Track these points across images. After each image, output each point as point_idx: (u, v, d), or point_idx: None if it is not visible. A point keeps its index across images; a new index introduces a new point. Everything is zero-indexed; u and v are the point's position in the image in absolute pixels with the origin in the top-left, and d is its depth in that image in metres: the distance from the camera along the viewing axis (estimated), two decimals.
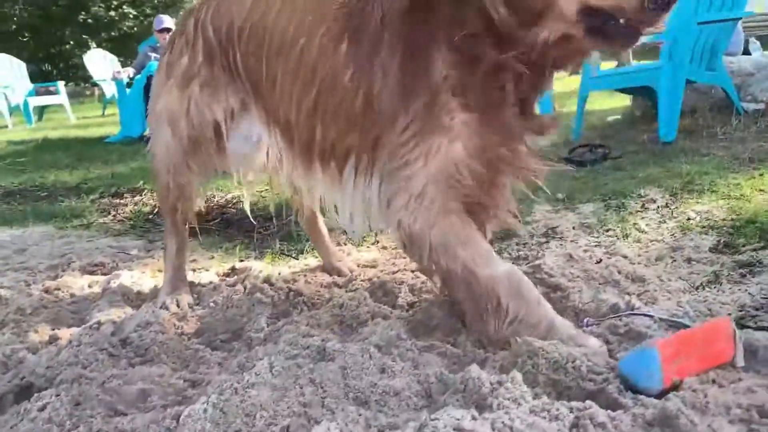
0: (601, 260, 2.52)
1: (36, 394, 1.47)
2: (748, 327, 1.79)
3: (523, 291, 1.65)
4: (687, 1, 5.61)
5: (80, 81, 24.88)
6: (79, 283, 2.51)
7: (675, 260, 2.54)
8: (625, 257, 2.55)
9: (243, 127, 2.16)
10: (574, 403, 1.26)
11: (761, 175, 3.81)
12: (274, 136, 2.03)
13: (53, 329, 2.04)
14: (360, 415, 1.37)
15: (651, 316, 1.85)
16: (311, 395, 1.43)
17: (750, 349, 1.61)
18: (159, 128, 2.30)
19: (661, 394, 1.39)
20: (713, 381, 1.49)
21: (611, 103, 8.00)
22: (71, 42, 25.63)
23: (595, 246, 2.85)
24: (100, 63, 13.25)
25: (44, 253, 3.16)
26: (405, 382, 1.49)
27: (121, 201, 4.72)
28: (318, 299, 2.17)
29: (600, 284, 2.23)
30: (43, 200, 4.99)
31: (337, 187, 1.89)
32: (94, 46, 25.70)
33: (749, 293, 2.07)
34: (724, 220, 3.05)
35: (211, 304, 2.18)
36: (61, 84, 14.47)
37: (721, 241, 2.73)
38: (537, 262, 2.38)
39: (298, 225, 3.63)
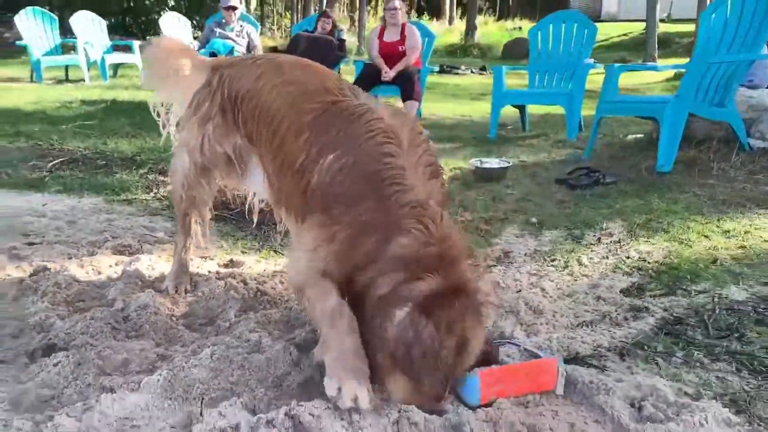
0: (521, 290, 3.05)
1: (55, 354, 2.15)
2: (585, 364, 2.31)
3: (335, 321, 1.94)
4: (703, 37, 5.90)
5: None
6: (107, 263, 3.20)
7: (584, 298, 3.03)
8: (543, 290, 3.07)
9: (251, 162, 2.70)
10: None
11: (720, 220, 4.20)
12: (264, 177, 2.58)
13: (79, 302, 2.72)
14: (266, 395, 1.98)
15: (518, 346, 2.39)
16: (238, 377, 2.05)
17: (573, 381, 2.14)
18: (180, 153, 2.85)
19: (480, 407, 1.95)
20: (528, 403, 2.04)
21: (639, 121, 8.25)
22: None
23: (532, 275, 3.36)
24: (174, 26, 14.08)
25: (88, 228, 3.87)
26: (310, 374, 2.10)
27: (164, 179, 5.42)
28: (278, 300, 2.78)
29: (505, 312, 2.76)
30: (100, 170, 5.74)
31: (293, 228, 2.42)
32: (172, 3, 26.87)
33: (612, 336, 2.57)
34: (655, 262, 3.51)
35: (199, 294, 2.83)
36: (136, 44, 15.42)
37: (635, 284, 3.20)
38: None
39: None
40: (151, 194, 5.00)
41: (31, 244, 3.49)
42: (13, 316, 2.50)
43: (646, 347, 2.50)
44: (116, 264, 3.21)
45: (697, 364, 2.39)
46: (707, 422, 1.92)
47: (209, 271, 3.19)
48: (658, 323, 2.70)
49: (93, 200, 4.73)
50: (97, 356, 2.14)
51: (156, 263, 3.24)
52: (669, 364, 2.38)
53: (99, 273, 3.04)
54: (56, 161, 5.90)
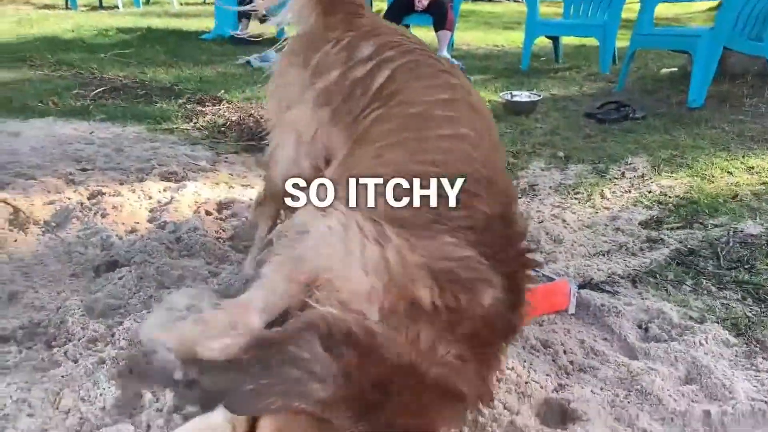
0: (542, 221, 3.22)
1: (118, 269, 2.41)
2: (599, 290, 2.50)
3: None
4: None
5: None
6: (156, 188, 3.43)
7: (603, 229, 3.19)
8: (564, 221, 3.23)
9: None
10: None
11: (745, 156, 4.27)
12: None
13: (135, 222, 2.97)
14: None
15: (537, 272, 2.58)
16: None
17: (585, 304, 2.34)
18: (284, 139, 2.16)
19: None
20: (543, 322, 2.25)
21: (675, 54, 8.13)
22: None
23: (555, 206, 3.52)
24: None
25: (135, 156, 4.10)
26: None
27: (203, 109, 5.61)
28: None
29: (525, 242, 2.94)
30: (140, 99, 5.95)
31: None
32: None
33: (627, 265, 2.75)
34: (676, 196, 3.63)
35: (243, 219, 3.06)
36: None
37: (654, 217, 3.34)
38: None
39: None
40: (191, 124, 5.20)
41: (83, 170, 3.74)
42: (76, 236, 2.76)
43: (657, 275, 2.67)
44: (164, 190, 3.44)
45: (705, 291, 2.57)
46: (707, 342, 2.11)
47: (251, 199, 3.39)
48: (671, 254, 2.86)
49: (136, 129, 4.95)
50: (155, 272, 2.39)
51: (201, 190, 3.46)
52: (678, 291, 2.55)
53: (150, 198, 3.27)
54: (98, 90, 6.11)
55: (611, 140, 4.80)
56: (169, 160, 4.06)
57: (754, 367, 2.02)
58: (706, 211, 3.35)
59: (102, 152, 4.14)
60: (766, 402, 1.80)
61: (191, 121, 5.27)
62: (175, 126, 5.11)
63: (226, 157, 4.32)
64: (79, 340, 1.89)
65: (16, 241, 2.63)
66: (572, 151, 4.52)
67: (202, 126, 5.14)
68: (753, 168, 4.03)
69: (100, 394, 1.60)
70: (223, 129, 5.04)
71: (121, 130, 4.85)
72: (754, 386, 1.90)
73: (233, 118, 5.26)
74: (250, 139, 4.78)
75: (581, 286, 2.47)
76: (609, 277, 2.63)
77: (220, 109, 5.59)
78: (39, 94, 5.86)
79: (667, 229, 3.16)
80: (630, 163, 4.20)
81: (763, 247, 2.92)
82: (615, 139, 4.84)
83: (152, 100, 5.95)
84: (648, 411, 1.76)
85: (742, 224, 3.19)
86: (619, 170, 4.12)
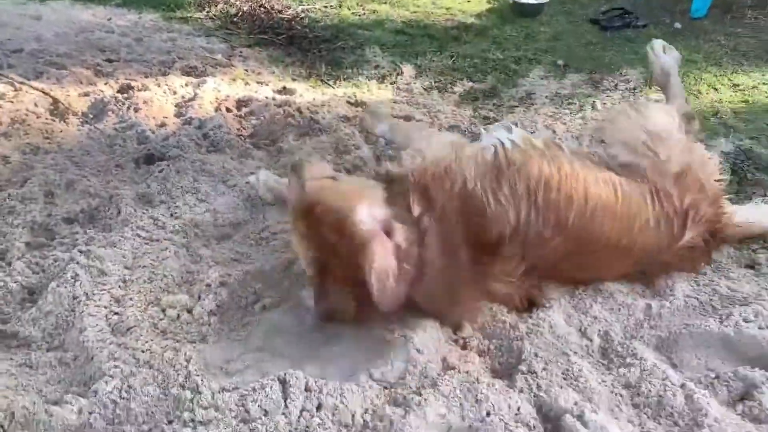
0: (533, 131, 3.52)
1: (157, 163, 2.74)
2: None
3: None
4: None
5: None
6: (179, 83, 3.68)
7: (589, 141, 3.49)
8: (554, 132, 3.54)
9: None
10: None
11: (733, 73, 4.49)
12: None
13: (164, 117, 3.26)
14: None
15: None
16: None
17: None
18: None
19: None
20: None
21: None
22: None
23: (548, 116, 3.81)
24: None
25: (155, 47, 4.31)
26: None
27: None
28: (329, 128, 3.28)
29: None
30: None
31: None
32: None
33: None
34: None
35: (262, 118, 3.35)
36: None
37: None
38: (482, 128, 3.41)
39: (344, 50, 4.67)
40: (204, 12, 5.32)
41: (109, 60, 3.97)
42: (114, 128, 3.07)
43: None
44: (186, 84, 3.70)
45: None
46: None
47: (266, 97, 3.67)
48: None
49: (152, 16, 5.09)
50: (190, 166, 2.72)
51: (220, 86, 3.72)
52: None
53: (174, 93, 3.54)
54: None
55: (610, 49, 4.98)
56: (187, 53, 4.27)
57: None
58: None
59: (124, 42, 4.34)
60: (697, 299, 2.20)
61: (204, 9, 5.38)
62: (189, 14, 5.24)
63: (241, 51, 4.52)
64: (134, 224, 2.25)
65: (61, 131, 2.93)
66: (572, 59, 4.73)
67: (215, 15, 5.27)
68: (738, 85, 4.27)
69: (162, 272, 1.99)
70: (235, 20, 5.17)
71: (138, 18, 5.00)
72: (692, 286, 2.30)
73: (245, 8, 5.37)
74: (263, 32, 4.95)
75: None
76: None
77: None
78: None
79: None
80: (624, 75, 4.43)
81: (729, 165, 3.23)
82: (614, 47, 5.02)
83: None
84: (600, 302, 2.16)
85: (716, 141, 3.49)
86: (614, 82, 4.36)
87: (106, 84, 3.52)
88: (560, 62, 4.64)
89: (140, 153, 2.86)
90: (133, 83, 3.55)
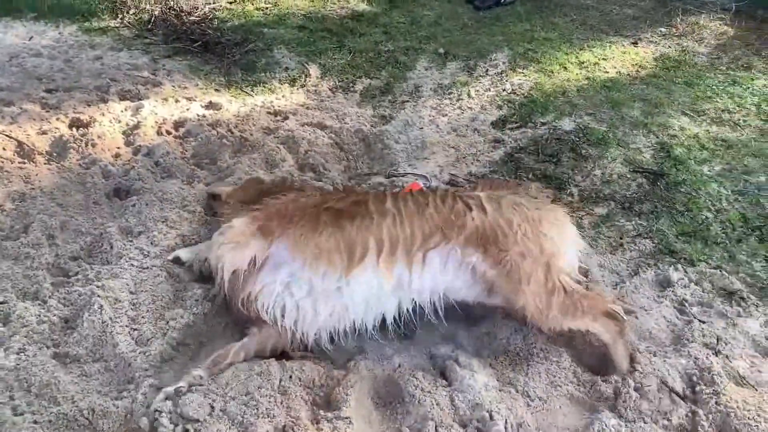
0: (422, 128, 4.39)
1: (128, 197, 3.44)
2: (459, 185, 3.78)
3: None
4: None
5: None
6: (119, 109, 4.26)
7: (465, 131, 4.41)
8: (437, 126, 4.42)
9: None
10: None
11: (580, 50, 5.50)
12: None
13: (117, 148, 3.90)
14: None
15: (424, 176, 3.81)
16: None
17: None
18: None
19: None
20: None
21: None
22: None
23: (433, 109, 4.68)
24: None
25: (86, 70, 4.80)
26: None
27: None
28: (257, 144, 4.02)
29: (404, 147, 4.14)
30: None
31: None
32: None
33: (477, 165, 4.01)
34: (522, 95, 4.85)
35: (199, 139, 4.05)
36: None
37: (502, 117, 4.58)
38: (381, 128, 4.25)
39: (255, 53, 5.32)
40: (118, 20, 5.79)
41: (49, 91, 4.48)
42: (78, 164, 3.70)
43: (497, 172, 3.96)
44: (126, 109, 4.30)
45: (524, 181, 3.88)
46: None
47: (198, 115, 4.33)
48: (507, 152, 4.15)
49: (71, 29, 5.54)
50: (154, 197, 3.43)
51: (156, 107, 4.35)
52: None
53: (119, 121, 4.15)
54: None
55: (482, 31, 5.86)
56: (116, 73, 4.82)
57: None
58: (539, 111, 4.61)
59: (55, 66, 4.83)
60: None
61: (117, 16, 5.84)
62: (104, 24, 5.69)
63: (164, 65, 5.10)
64: (127, 256, 3.00)
65: (37, 175, 3.55)
66: (450, 46, 5.58)
67: (129, 23, 5.75)
68: (583, 63, 5.28)
69: (159, 293, 2.78)
70: (149, 27, 5.68)
71: (59, 34, 5.43)
72: None
73: (156, 13, 5.87)
74: (178, 38, 5.51)
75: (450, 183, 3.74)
76: (467, 176, 3.88)
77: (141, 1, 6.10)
78: None
79: (509, 129, 4.42)
80: (494, 60, 5.34)
81: (569, 143, 4.23)
82: (485, 29, 5.90)
83: None
84: None
85: (561, 121, 4.48)
86: (485, 67, 5.27)
87: (57, 119, 4.07)
88: (441, 51, 5.49)
89: (109, 188, 3.54)
90: (81, 116, 4.12)
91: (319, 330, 2.61)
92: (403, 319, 2.65)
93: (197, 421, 2.20)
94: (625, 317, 2.67)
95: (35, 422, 2.25)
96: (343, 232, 2.55)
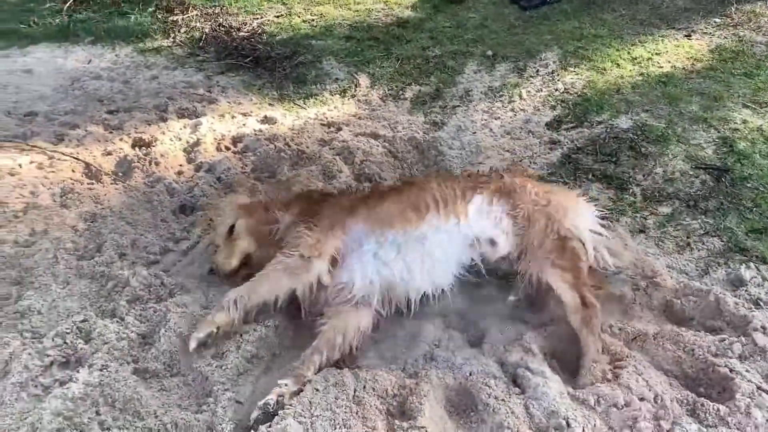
0: (475, 132, 4.38)
1: (192, 213, 3.53)
2: None
3: None
4: None
5: None
6: (177, 127, 4.38)
7: (519, 133, 4.38)
8: (491, 130, 4.40)
9: None
10: None
11: (632, 45, 5.40)
12: None
13: (179, 166, 4.01)
14: None
15: None
16: None
17: None
18: None
19: None
20: None
21: None
22: None
23: (485, 112, 4.66)
24: None
25: (143, 90, 4.97)
26: None
27: (174, 18, 6.28)
28: (314, 156, 4.08)
29: (458, 152, 4.13)
30: (111, 10, 6.52)
31: None
32: None
33: (534, 167, 3.98)
34: (575, 94, 4.79)
35: (258, 153, 4.12)
36: None
37: (556, 117, 4.53)
38: (434, 134, 4.25)
39: (305, 65, 5.39)
40: (170, 39, 5.94)
41: (110, 112, 4.64)
42: (144, 183, 3.81)
43: (555, 174, 3.92)
44: (185, 127, 4.42)
45: (582, 182, 3.83)
46: None
47: (254, 130, 4.42)
48: (564, 153, 4.10)
49: (126, 51, 5.71)
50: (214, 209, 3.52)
51: (213, 124, 4.45)
52: (566, 185, 3.83)
53: (179, 139, 4.26)
54: (69, 1, 6.60)
55: (530, 31, 5.81)
56: (173, 91, 4.96)
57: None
58: (595, 109, 4.55)
59: (115, 88, 5.00)
60: None
61: (169, 36, 6.00)
62: (158, 44, 5.85)
63: (217, 81, 5.21)
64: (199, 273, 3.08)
65: (105, 195, 3.67)
66: (498, 48, 5.55)
67: (181, 42, 5.90)
68: (636, 59, 5.18)
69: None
70: (201, 45, 5.82)
71: (115, 56, 5.61)
72: None
73: (207, 31, 6.01)
74: (229, 55, 5.63)
75: None
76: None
77: (191, 18, 6.27)
78: (16, 15, 6.39)
79: (564, 130, 4.38)
80: (543, 60, 5.29)
81: (628, 141, 4.16)
82: (533, 29, 5.85)
83: (122, 10, 6.53)
84: None
85: (617, 120, 4.41)
86: (535, 67, 5.22)
87: (120, 140, 4.21)
88: (489, 53, 5.46)
89: (175, 204, 3.64)
90: (143, 135, 4.25)
91: (409, 290, 2.84)
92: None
93: None
94: (597, 309, 2.71)
95: None
96: (401, 197, 3.02)
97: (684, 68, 4.99)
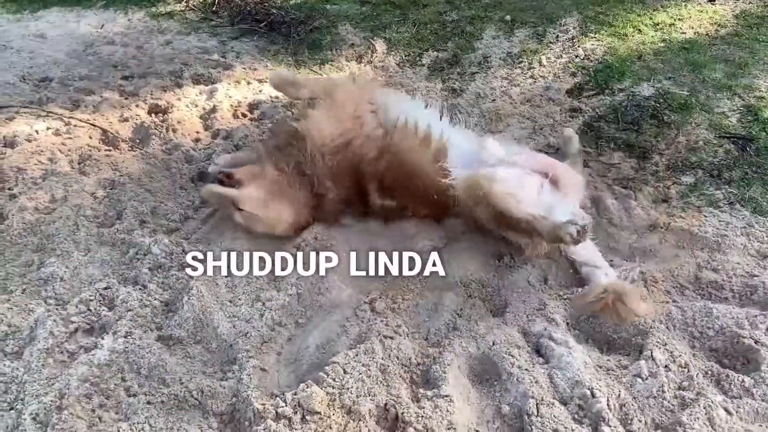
0: (495, 99, 4.31)
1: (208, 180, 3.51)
2: None
3: None
4: None
5: None
6: (193, 93, 4.34)
7: (539, 100, 4.31)
8: (510, 97, 4.33)
9: None
10: None
11: (654, 11, 5.27)
12: None
13: (196, 132, 3.98)
14: None
15: None
16: None
17: None
18: None
19: None
20: None
21: None
22: None
23: (504, 79, 4.59)
24: None
25: (158, 56, 4.91)
26: None
27: None
28: None
29: (477, 120, 4.08)
30: None
31: None
32: None
33: (555, 136, 3.92)
34: (596, 60, 4.70)
35: (275, 120, 4.08)
36: None
37: (576, 85, 4.45)
38: (452, 101, 4.19)
39: (320, 31, 5.31)
40: (183, 4, 5.85)
41: (125, 78, 4.60)
42: (162, 150, 3.79)
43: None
44: (201, 93, 4.37)
45: (605, 151, 3.78)
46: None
47: (270, 97, 4.36)
48: (585, 122, 4.04)
49: (139, 16, 5.65)
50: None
51: (229, 90, 4.40)
52: (587, 156, 3.77)
53: (196, 105, 4.22)
54: None
55: None
56: (187, 57, 4.91)
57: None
58: (616, 77, 4.45)
59: (129, 53, 4.96)
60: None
61: (181, 1, 5.90)
62: (170, 9, 5.78)
63: (232, 47, 5.15)
64: (220, 240, 3.07)
65: (123, 162, 3.65)
66: (517, 13, 5.43)
67: (194, 6, 5.82)
68: (658, 24, 5.06)
69: (253, 275, 2.85)
70: (214, 9, 5.73)
71: (128, 21, 5.54)
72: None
73: None
74: (243, 19, 5.54)
75: None
76: (545, 147, 3.80)
77: None
78: None
79: (585, 97, 4.30)
80: (563, 25, 5.18)
81: (650, 109, 4.09)
82: None
83: None
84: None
85: (639, 87, 4.32)
86: (555, 33, 5.12)
87: (137, 106, 4.17)
88: (507, 18, 5.36)
89: (193, 172, 3.62)
90: (159, 102, 4.21)
91: None
92: None
93: (317, 413, 2.24)
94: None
95: (149, 402, 2.35)
96: None
97: (707, 34, 4.87)
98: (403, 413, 2.25)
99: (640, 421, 2.28)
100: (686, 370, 2.43)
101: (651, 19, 5.16)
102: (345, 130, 3.14)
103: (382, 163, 3.12)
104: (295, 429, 2.19)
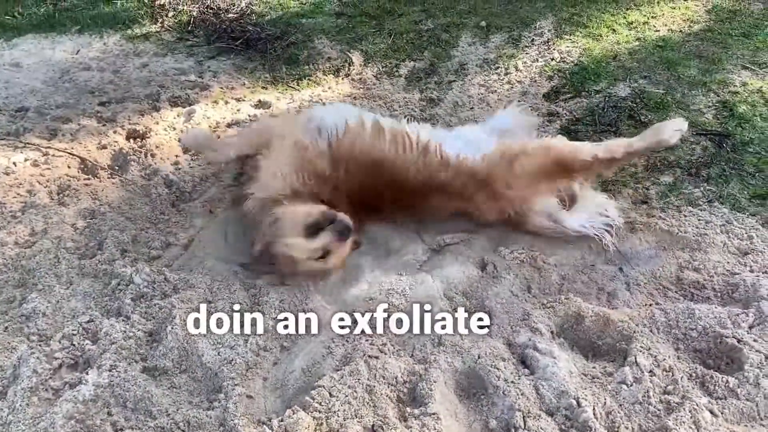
0: (473, 107, 4.33)
1: (191, 202, 3.50)
2: None
3: None
4: None
5: None
6: (171, 116, 4.32)
7: (518, 105, 4.32)
8: (488, 104, 4.35)
9: None
10: None
11: (627, 10, 5.31)
12: None
13: (176, 156, 3.96)
14: None
15: None
16: None
17: None
18: None
19: None
20: None
21: None
22: None
23: (481, 86, 4.60)
24: None
25: (134, 79, 4.88)
26: None
27: (160, 1, 6.14)
28: None
29: (445, 119, 4.09)
30: None
31: None
32: None
33: None
34: (572, 63, 4.73)
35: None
36: None
37: (553, 88, 4.47)
38: (431, 112, 4.20)
39: (296, 46, 5.31)
40: (159, 24, 5.83)
41: (102, 104, 4.57)
42: (141, 176, 3.77)
43: None
44: (179, 116, 4.36)
45: None
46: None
47: (249, 116, 4.36)
48: (563, 125, 4.06)
49: (115, 39, 5.61)
50: (219, 196, 3.49)
51: (207, 111, 4.39)
52: None
53: (174, 128, 4.21)
54: None
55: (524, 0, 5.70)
56: (164, 79, 4.89)
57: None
58: (592, 78, 4.48)
59: (105, 78, 4.92)
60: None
61: (157, 21, 5.89)
62: (146, 30, 5.75)
63: (209, 66, 5.14)
64: (202, 266, 3.06)
65: (102, 190, 3.63)
66: (492, 18, 5.46)
67: (169, 26, 5.80)
68: (632, 23, 5.10)
69: (236, 299, 2.84)
70: (190, 29, 5.71)
71: (104, 45, 5.51)
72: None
73: (194, 13, 5.90)
74: (219, 38, 5.54)
75: None
76: None
77: (178, 1, 6.14)
78: (0, 6, 6.27)
79: (562, 101, 4.32)
80: (538, 29, 5.21)
81: (627, 110, 4.12)
82: None
83: None
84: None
85: (616, 88, 4.36)
86: (530, 36, 5.14)
87: (114, 132, 4.15)
88: (483, 24, 5.38)
89: (174, 197, 3.61)
90: (137, 127, 4.19)
91: None
92: None
93: None
94: None
95: None
96: None
97: (681, 31, 4.91)
98: None
99: (626, 428, 2.29)
100: (671, 374, 2.44)
101: (625, 18, 5.20)
102: (297, 168, 3.14)
103: (341, 172, 3.13)
104: None
